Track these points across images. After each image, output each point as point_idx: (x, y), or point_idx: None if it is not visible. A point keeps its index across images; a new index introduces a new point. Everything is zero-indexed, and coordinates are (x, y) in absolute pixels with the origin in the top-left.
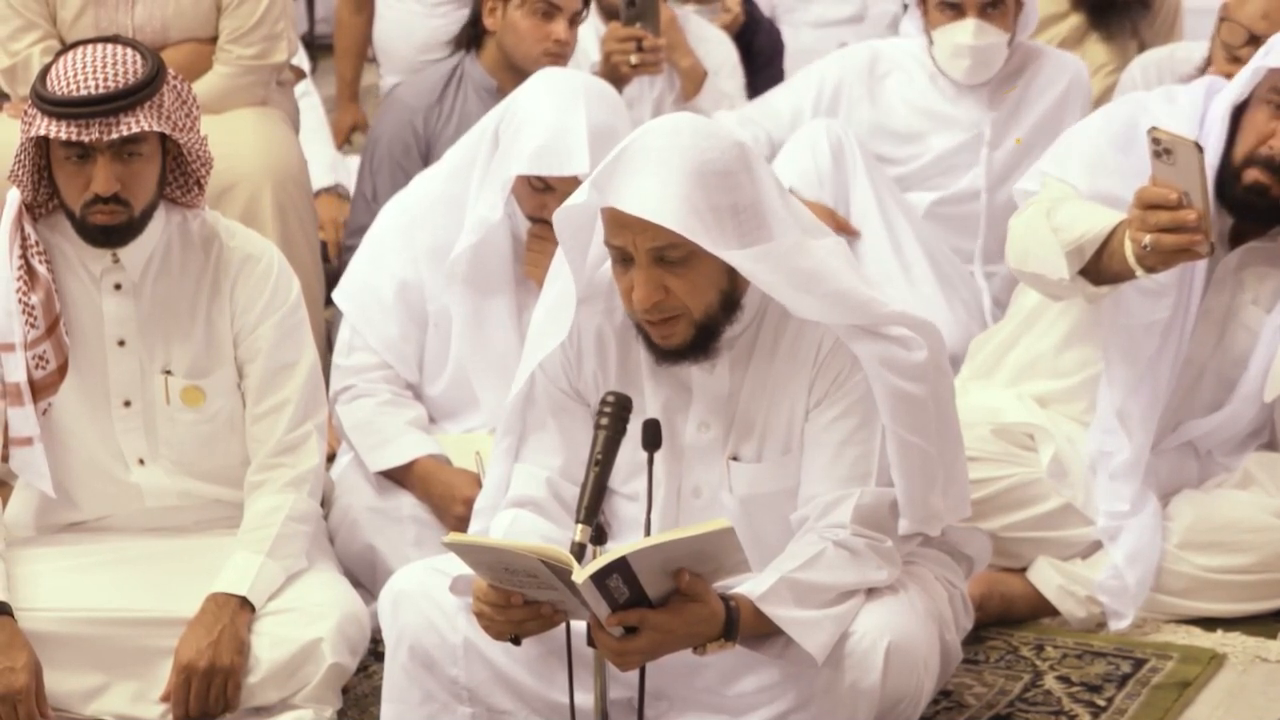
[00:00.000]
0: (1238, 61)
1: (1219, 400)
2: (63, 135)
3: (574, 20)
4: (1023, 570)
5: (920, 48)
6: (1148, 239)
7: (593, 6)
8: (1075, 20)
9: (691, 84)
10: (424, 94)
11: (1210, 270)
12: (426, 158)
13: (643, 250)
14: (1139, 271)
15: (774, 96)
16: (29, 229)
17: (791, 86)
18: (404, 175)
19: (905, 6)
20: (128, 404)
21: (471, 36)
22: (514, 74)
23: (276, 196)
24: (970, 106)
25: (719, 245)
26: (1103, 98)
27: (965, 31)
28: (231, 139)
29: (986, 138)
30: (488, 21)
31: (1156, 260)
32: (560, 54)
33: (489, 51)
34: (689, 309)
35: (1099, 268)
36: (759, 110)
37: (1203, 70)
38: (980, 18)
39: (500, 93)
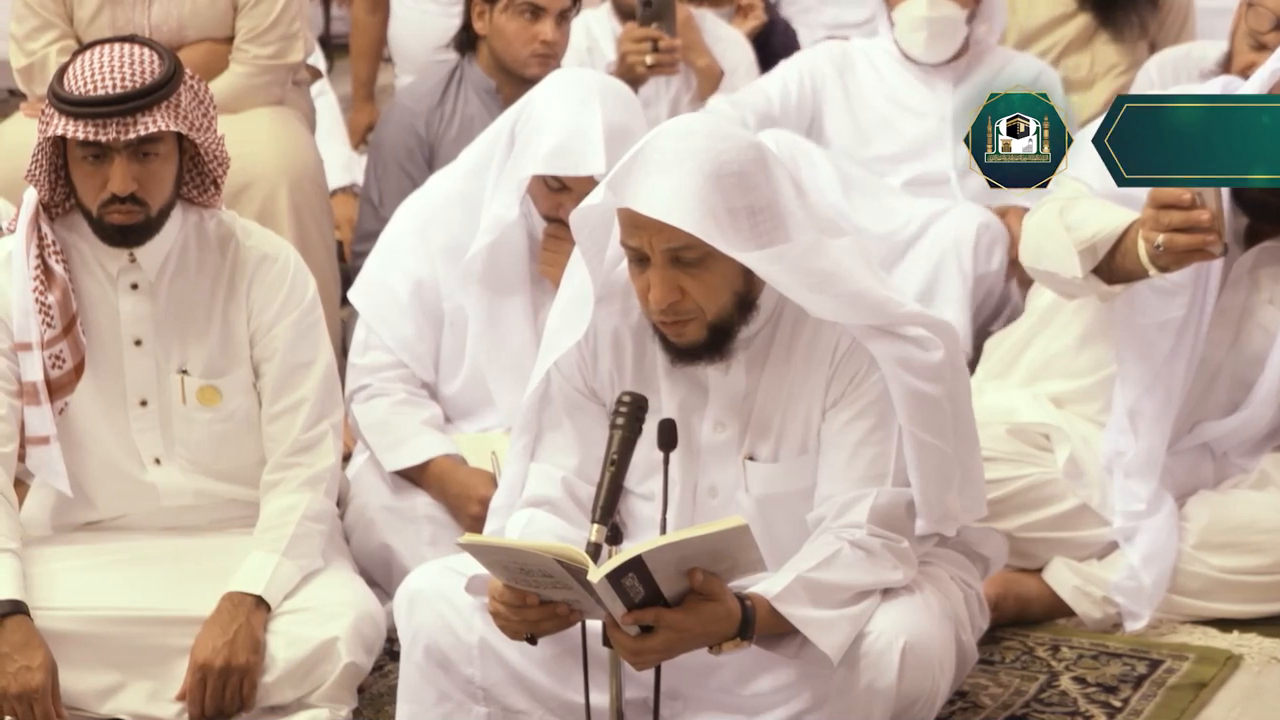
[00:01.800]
0: (1264, 49)
1: (1234, 400)
2: (80, 135)
3: (562, 18)
4: (1038, 571)
5: (889, 42)
6: (1160, 239)
7: (609, 6)
8: (1083, 20)
9: (708, 83)
10: (424, 97)
11: (1225, 270)
12: (430, 161)
13: (658, 251)
14: (1152, 271)
15: (763, 81)
16: (46, 228)
17: (778, 74)
18: (409, 179)
19: None
20: (144, 403)
21: (466, 40)
22: (509, 75)
23: (292, 196)
24: (936, 89)
25: (735, 247)
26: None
27: (920, 4)
28: (248, 139)
29: (949, 117)
30: (477, 26)
31: (1169, 260)
32: (549, 54)
33: (484, 54)
34: (704, 310)
35: (1112, 267)
36: (747, 94)
37: (1223, 66)
38: None
39: (499, 94)
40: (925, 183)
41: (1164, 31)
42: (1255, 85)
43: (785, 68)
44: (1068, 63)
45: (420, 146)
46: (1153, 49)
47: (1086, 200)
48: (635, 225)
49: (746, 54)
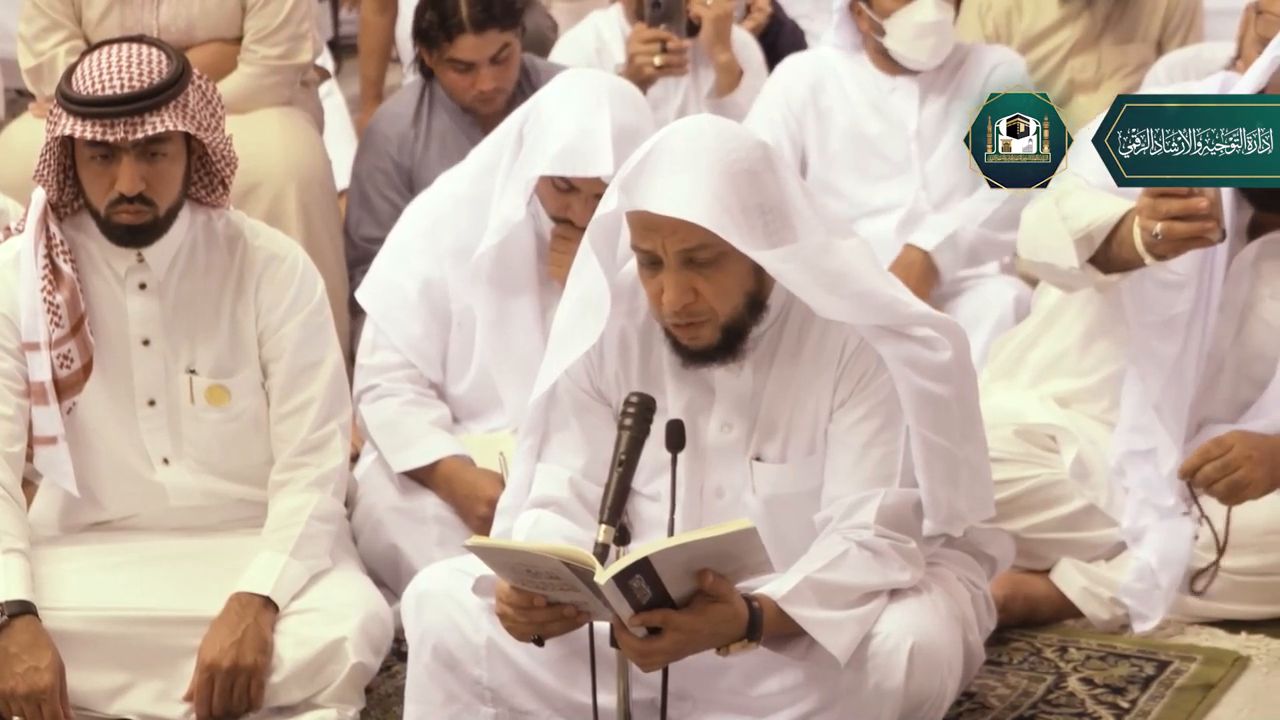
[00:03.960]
0: None
1: (1239, 395)
2: (88, 135)
3: (496, 59)
4: (1046, 572)
5: (861, 52)
6: (1158, 227)
7: (618, 8)
8: (1086, 21)
9: (728, 78)
10: (396, 121)
11: (1228, 263)
12: (410, 185)
13: (672, 253)
14: (1148, 259)
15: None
16: (54, 228)
17: (769, 116)
18: (388, 205)
19: None
20: (152, 403)
21: (426, 67)
22: None
23: (301, 196)
24: (902, 103)
25: (749, 245)
26: None
27: (926, 8)
28: (256, 139)
29: (911, 131)
30: (426, 61)
31: (1167, 248)
32: (491, 99)
33: None
34: (717, 311)
35: (1108, 256)
36: None
37: (1231, 69)
38: None
39: (467, 112)
40: (901, 211)
41: (1170, 33)
42: (1254, 75)
43: (769, 105)
44: (1074, 63)
45: (398, 172)
46: (1160, 51)
47: (1082, 191)
48: (648, 227)
49: (755, 55)
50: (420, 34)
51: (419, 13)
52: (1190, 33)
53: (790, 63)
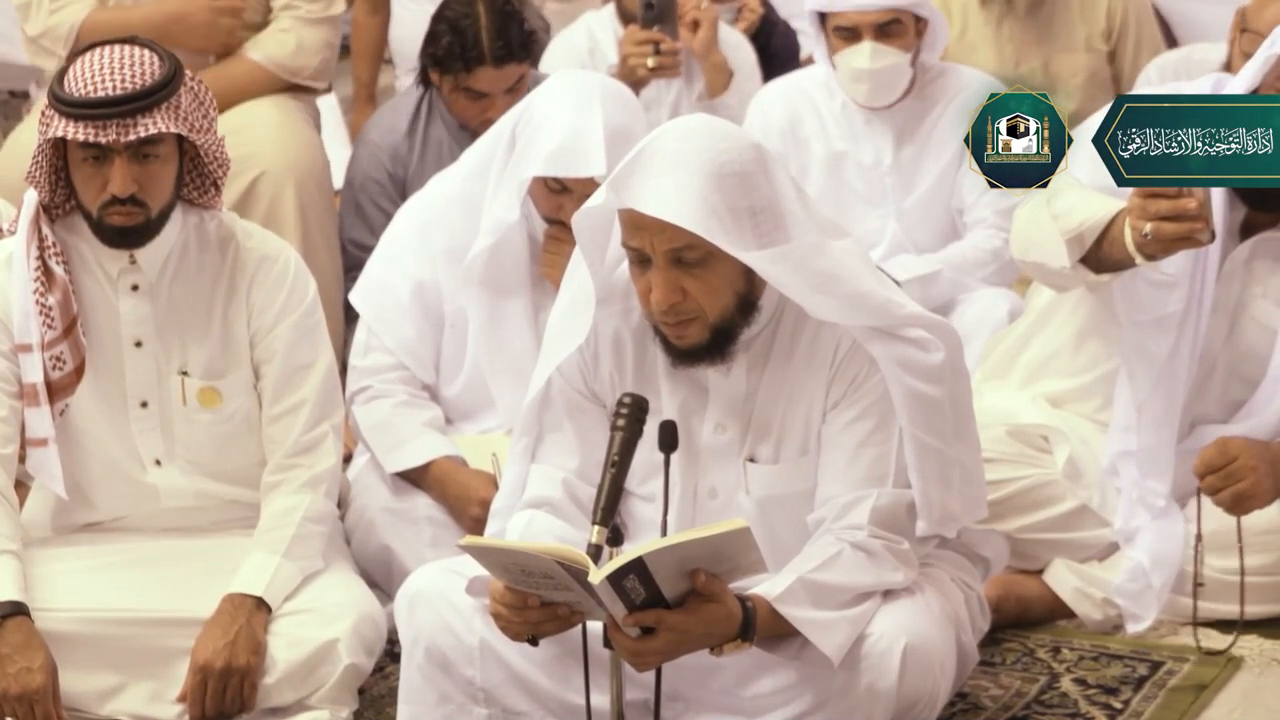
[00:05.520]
0: None
1: (1230, 395)
2: (80, 136)
3: (510, 90)
4: (1039, 572)
5: (835, 82)
6: (1148, 227)
7: (611, 9)
8: (1013, 26)
9: (719, 79)
10: (390, 132)
11: (1220, 262)
12: (404, 195)
13: (660, 252)
14: (1139, 259)
15: None
16: (46, 230)
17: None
18: (381, 214)
19: None
20: (144, 405)
21: (428, 79)
22: None
23: (299, 196)
24: (876, 137)
25: (737, 246)
26: (1082, 107)
27: (862, 55)
28: (256, 136)
29: (887, 164)
30: (432, 77)
31: (1157, 248)
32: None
33: None
34: (705, 311)
35: (1099, 256)
36: None
37: (1224, 71)
38: (876, 39)
39: (464, 125)
40: (880, 248)
41: (1122, 44)
42: (1247, 76)
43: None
44: (1021, 70)
45: (393, 181)
46: (1114, 61)
47: (1074, 190)
48: (637, 226)
49: (749, 56)
50: (434, 58)
51: (434, 37)
52: (1144, 43)
53: (767, 94)
